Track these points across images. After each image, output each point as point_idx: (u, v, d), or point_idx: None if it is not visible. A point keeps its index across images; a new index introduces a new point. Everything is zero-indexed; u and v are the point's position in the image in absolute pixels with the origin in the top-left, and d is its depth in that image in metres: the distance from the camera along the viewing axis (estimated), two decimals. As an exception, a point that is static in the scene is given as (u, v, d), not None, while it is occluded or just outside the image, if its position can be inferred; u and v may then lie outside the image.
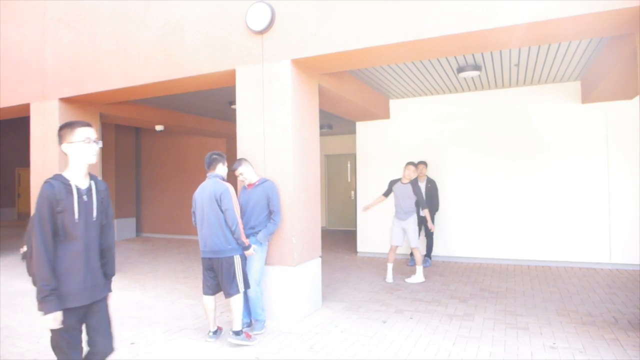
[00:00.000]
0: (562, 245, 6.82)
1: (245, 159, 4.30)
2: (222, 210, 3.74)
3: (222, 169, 3.97)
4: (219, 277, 3.82)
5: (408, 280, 6.05)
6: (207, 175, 3.95)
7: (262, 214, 4.21)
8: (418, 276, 6.03)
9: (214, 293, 3.91)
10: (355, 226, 8.62)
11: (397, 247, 6.17)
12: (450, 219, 7.51)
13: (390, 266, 6.12)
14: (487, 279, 6.19)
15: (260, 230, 4.18)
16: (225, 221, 3.74)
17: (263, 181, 4.28)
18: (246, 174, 4.23)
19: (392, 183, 6.18)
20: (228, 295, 3.77)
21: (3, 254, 8.72)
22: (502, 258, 7.19)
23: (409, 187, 6.01)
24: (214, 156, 3.97)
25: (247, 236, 4.08)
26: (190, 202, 4.12)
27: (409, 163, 6.14)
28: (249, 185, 4.29)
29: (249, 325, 4.21)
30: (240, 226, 3.80)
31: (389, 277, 6.08)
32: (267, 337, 4.00)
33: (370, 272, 6.75)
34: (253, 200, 4.21)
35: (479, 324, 4.30)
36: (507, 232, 7.15)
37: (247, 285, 3.86)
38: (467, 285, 5.82)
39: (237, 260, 3.78)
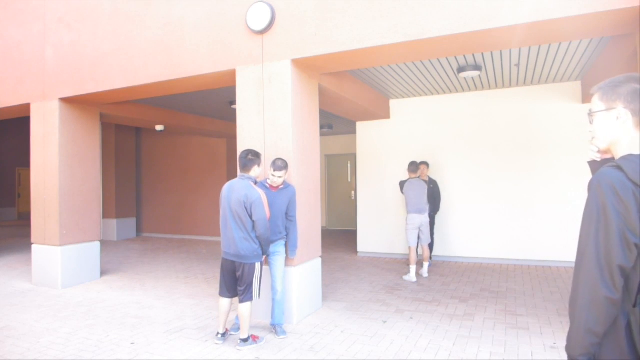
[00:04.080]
0: (562, 245, 6.81)
1: (288, 165, 4.11)
2: (252, 219, 3.64)
3: (256, 171, 3.80)
4: (237, 281, 3.76)
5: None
6: (240, 174, 3.78)
7: (284, 219, 4.17)
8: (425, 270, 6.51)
9: (231, 296, 3.83)
10: (355, 226, 8.62)
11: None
12: (451, 219, 7.51)
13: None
14: (487, 279, 6.19)
15: (284, 235, 4.17)
16: (254, 228, 3.66)
17: (287, 186, 4.18)
18: (282, 180, 4.03)
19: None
20: (242, 300, 3.74)
21: (3, 254, 8.73)
22: (502, 258, 7.19)
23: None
24: (250, 157, 3.76)
25: (273, 241, 4.06)
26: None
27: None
28: (273, 187, 4.11)
29: (237, 330, 4.06)
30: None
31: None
32: (267, 338, 4.01)
33: (370, 272, 6.75)
34: (277, 205, 4.08)
35: (480, 324, 4.30)
36: (508, 232, 7.14)
37: (259, 294, 3.83)
38: (467, 285, 5.82)
39: (259, 268, 3.75)
